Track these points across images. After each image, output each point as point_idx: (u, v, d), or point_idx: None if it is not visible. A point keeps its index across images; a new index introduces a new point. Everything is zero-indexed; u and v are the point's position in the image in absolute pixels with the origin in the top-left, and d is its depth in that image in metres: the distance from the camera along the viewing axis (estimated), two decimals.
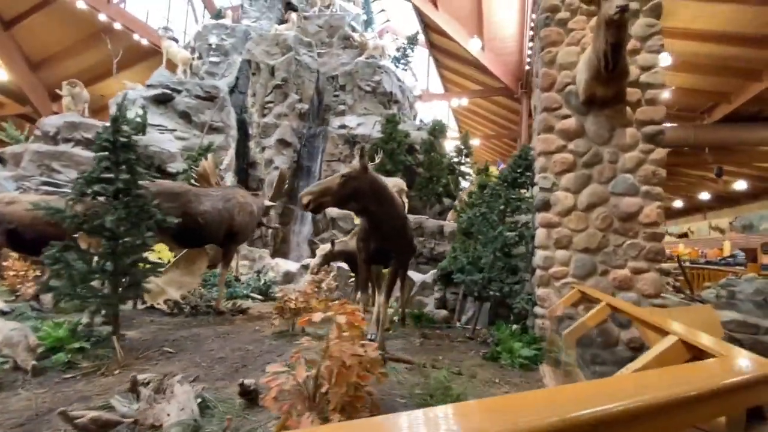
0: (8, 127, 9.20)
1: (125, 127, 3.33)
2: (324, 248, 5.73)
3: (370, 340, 4.13)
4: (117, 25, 18.34)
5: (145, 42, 19.34)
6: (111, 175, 3.27)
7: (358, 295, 3.82)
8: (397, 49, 14.33)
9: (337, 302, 2.13)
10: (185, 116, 10.76)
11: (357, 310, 2.00)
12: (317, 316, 1.85)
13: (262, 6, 15.24)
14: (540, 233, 4.30)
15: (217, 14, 14.54)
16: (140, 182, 3.48)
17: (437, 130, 10.56)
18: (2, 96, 20.70)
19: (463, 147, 10.48)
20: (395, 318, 5.21)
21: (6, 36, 17.68)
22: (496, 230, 4.50)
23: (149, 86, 10.75)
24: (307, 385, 1.71)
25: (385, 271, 4.86)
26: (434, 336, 4.78)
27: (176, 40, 13.62)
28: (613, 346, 3.93)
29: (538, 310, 4.28)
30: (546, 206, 4.30)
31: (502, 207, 4.75)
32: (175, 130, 10.57)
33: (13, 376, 2.81)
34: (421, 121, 13.40)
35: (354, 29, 14.33)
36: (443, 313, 5.57)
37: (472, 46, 15.97)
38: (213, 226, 4.90)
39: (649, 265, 3.99)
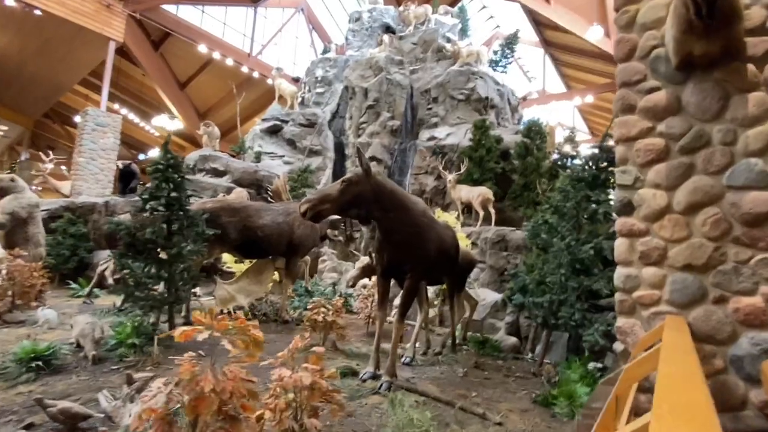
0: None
1: (176, 159, 3.78)
2: (363, 260, 5.50)
3: (406, 364, 3.73)
4: (255, 74, 21.98)
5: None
6: (162, 193, 3.73)
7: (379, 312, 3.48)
8: (495, 53, 13.48)
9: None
10: (291, 143, 12.03)
11: (253, 326, 1.75)
12: (198, 333, 1.67)
13: (364, 35, 16.26)
14: (620, 245, 3.29)
15: (324, 50, 16.06)
16: (186, 198, 3.88)
17: (533, 131, 9.39)
18: (182, 141, 26.66)
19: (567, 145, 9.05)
20: (448, 341, 4.61)
21: (182, 94, 22.85)
22: (563, 241, 3.61)
23: (263, 120, 12.41)
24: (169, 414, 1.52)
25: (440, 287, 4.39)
26: (489, 367, 4.07)
27: (298, 79, 15.54)
28: (736, 409, 2.68)
29: (617, 346, 3.24)
30: (627, 209, 3.28)
31: (574, 213, 3.79)
32: (283, 155, 11.89)
33: (78, 363, 3.34)
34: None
35: (449, 40, 14.09)
36: (512, 341, 4.72)
37: (593, 34, 14.16)
38: (273, 238, 5.20)
39: None
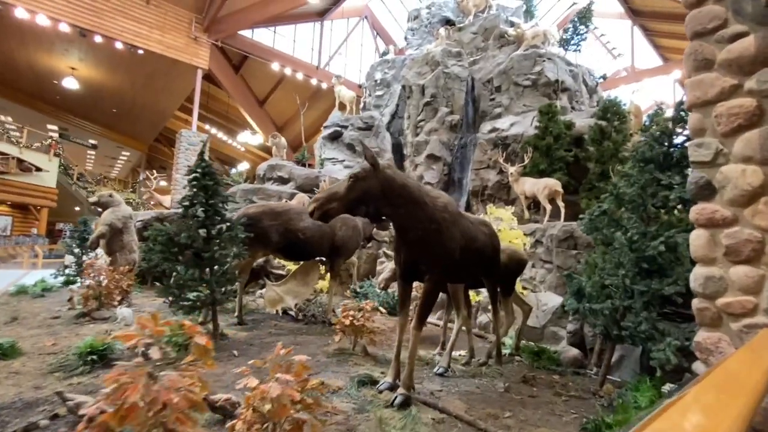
0: (233, 174, 12.86)
1: (209, 163, 3.96)
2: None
3: (439, 374, 3.43)
4: (323, 85, 22.96)
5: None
6: (198, 200, 3.92)
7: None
8: (566, 30, 12.18)
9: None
10: (351, 147, 12.22)
11: (198, 332, 1.63)
12: (140, 340, 1.60)
13: (423, 32, 15.95)
14: (697, 238, 2.60)
15: (383, 53, 16.09)
16: (223, 204, 4.03)
17: (611, 111, 8.17)
18: (264, 153, 28.93)
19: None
20: (494, 352, 4.12)
21: (261, 111, 24.79)
22: (626, 234, 2.97)
23: (325, 127, 12.80)
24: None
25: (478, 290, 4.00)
26: (541, 382, 3.54)
27: (361, 86, 15.79)
28: None
29: (698, 366, 2.56)
30: (706, 192, 2.59)
31: (639, 200, 3.08)
32: (344, 160, 12.13)
33: (130, 358, 3.63)
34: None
35: (512, 24, 13.13)
36: (573, 353, 4.07)
37: None
38: (314, 240, 5.22)
39: None
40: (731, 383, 1.43)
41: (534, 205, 8.52)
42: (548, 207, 7.50)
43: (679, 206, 3.12)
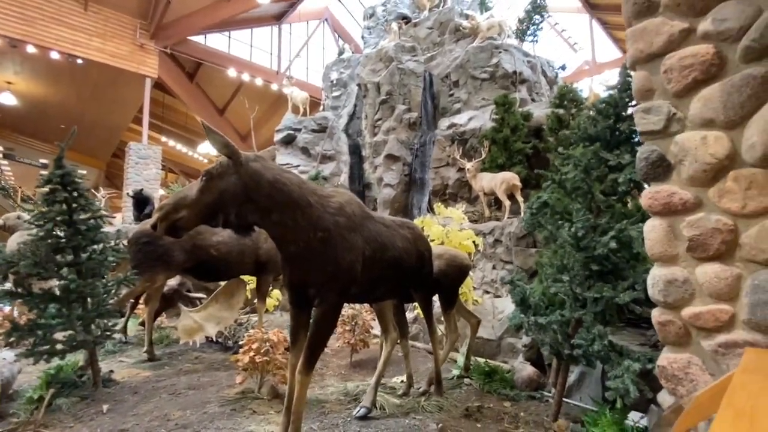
0: (174, 186, 11.98)
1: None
2: None
3: (359, 417, 2.73)
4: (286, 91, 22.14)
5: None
6: (52, 216, 3.13)
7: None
8: (521, 21, 11.84)
9: None
10: (305, 151, 11.50)
11: None
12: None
13: (380, 30, 15.42)
14: (653, 230, 2.01)
15: (339, 53, 15.48)
16: (93, 219, 3.24)
17: (567, 98, 7.77)
18: None
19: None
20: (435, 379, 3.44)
21: (222, 119, 23.73)
22: (570, 230, 2.37)
23: (277, 131, 12.04)
24: None
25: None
26: (488, 413, 2.90)
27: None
28: None
29: (663, 397, 1.96)
30: (660, 169, 2.01)
31: (585, 187, 2.50)
32: (298, 165, 11.39)
33: None
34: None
35: (468, 17, 12.72)
36: (528, 371, 3.44)
37: None
38: (232, 257, 4.47)
39: None
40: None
41: (495, 201, 8.01)
42: (507, 203, 6.98)
43: (635, 191, 2.56)
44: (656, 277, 1.97)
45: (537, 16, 11.75)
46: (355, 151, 11.65)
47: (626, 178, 2.37)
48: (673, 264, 1.94)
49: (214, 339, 5.22)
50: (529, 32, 11.77)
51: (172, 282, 5.34)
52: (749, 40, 1.76)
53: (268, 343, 3.06)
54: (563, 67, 12.40)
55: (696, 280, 1.86)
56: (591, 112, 2.77)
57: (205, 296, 5.64)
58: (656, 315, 1.97)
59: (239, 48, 21.88)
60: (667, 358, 1.94)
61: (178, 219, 2.05)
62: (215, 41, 20.78)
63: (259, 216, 2.09)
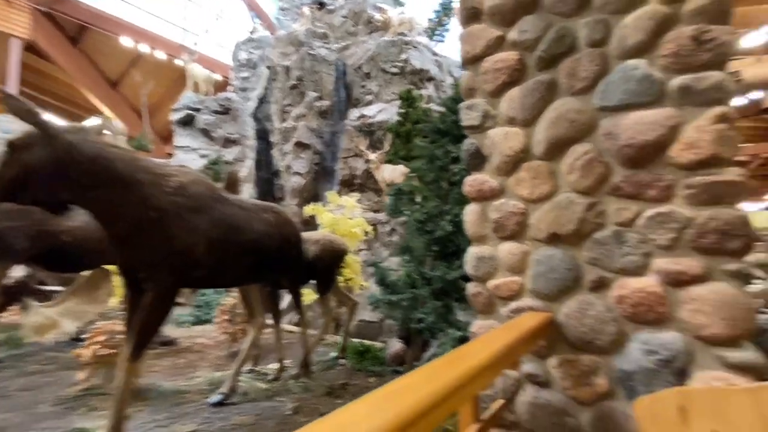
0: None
1: None
2: None
3: (213, 404, 2.67)
4: None
5: (217, 76, 21.13)
6: None
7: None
8: (429, 20, 12.36)
9: None
10: (206, 133, 10.75)
11: None
12: None
13: (294, 14, 14.90)
14: (471, 213, 2.27)
15: (251, 31, 14.67)
16: None
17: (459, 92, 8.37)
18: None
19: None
20: (312, 359, 3.53)
21: (115, 93, 21.05)
22: (414, 214, 2.57)
23: (174, 110, 11.06)
24: None
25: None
26: (350, 392, 3.04)
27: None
28: None
29: None
30: (477, 160, 2.26)
31: (434, 176, 2.77)
32: (198, 148, 10.60)
33: None
34: None
35: (381, 10, 12.89)
36: (397, 347, 3.69)
37: None
38: (91, 244, 4.03)
39: (707, 262, 1.66)
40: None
41: None
42: None
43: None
44: (471, 254, 2.24)
45: (445, 18, 12.33)
46: (263, 136, 11.20)
47: (460, 168, 2.67)
48: (483, 243, 2.22)
49: (79, 337, 4.69)
50: (437, 32, 12.32)
51: (18, 273, 4.63)
52: (540, 50, 2.06)
53: (118, 336, 2.84)
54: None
55: (498, 256, 2.15)
56: (442, 108, 3.04)
57: (63, 289, 5.01)
58: (470, 288, 2.24)
59: (139, 16, 19.52)
60: (477, 324, 2.22)
61: None
62: (107, 4, 18.26)
63: (74, 194, 1.91)
